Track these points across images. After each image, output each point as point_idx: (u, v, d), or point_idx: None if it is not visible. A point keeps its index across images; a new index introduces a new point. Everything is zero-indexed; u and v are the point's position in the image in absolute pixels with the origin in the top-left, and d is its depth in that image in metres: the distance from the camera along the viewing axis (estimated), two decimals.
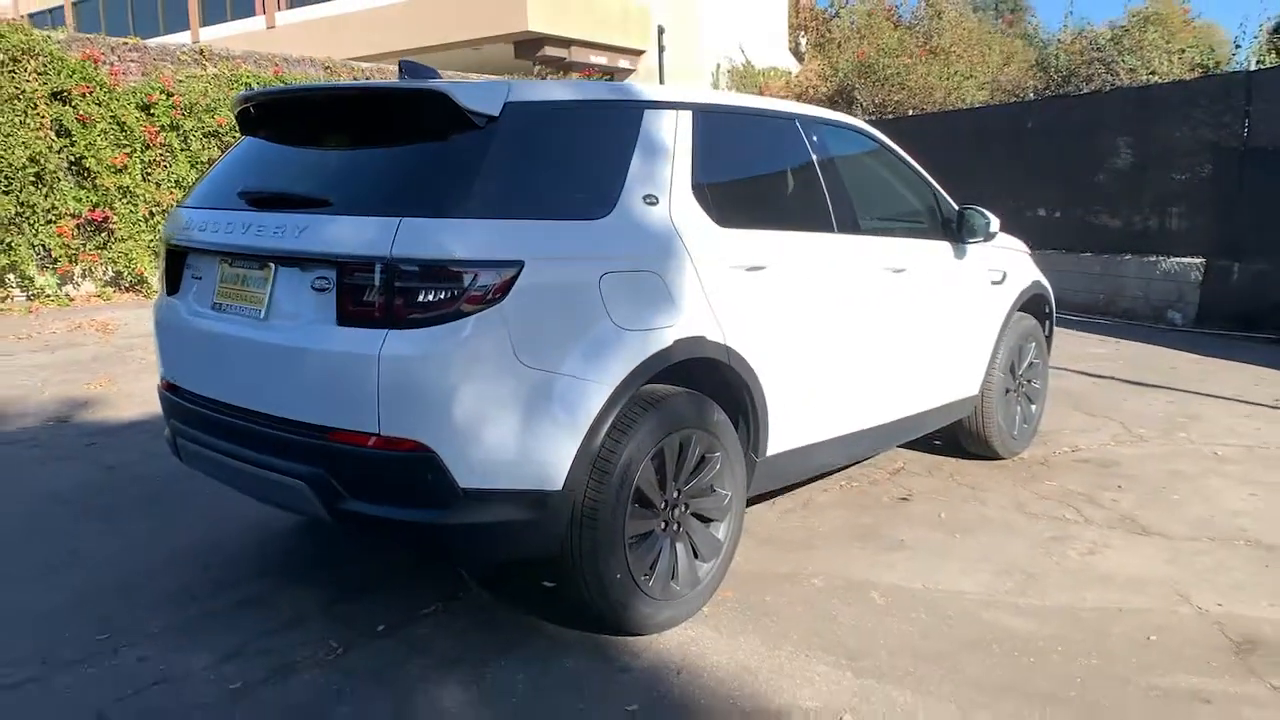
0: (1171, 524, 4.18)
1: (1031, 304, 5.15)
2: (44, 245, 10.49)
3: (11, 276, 10.45)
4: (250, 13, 28.25)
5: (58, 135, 10.40)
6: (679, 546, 3.13)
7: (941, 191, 4.57)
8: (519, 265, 2.64)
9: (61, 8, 32.49)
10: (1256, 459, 5.16)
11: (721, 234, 3.25)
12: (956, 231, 4.48)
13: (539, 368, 2.69)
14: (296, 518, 3.99)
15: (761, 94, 18.86)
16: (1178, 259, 10.39)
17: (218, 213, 3.10)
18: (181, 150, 11.42)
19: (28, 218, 10.26)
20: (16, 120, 10.00)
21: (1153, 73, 11.48)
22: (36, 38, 10.38)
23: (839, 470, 4.77)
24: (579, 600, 2.99)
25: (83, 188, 10.70)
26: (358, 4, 24.86)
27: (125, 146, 10.92)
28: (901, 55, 16.50)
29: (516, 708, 2.69)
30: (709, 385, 3.21)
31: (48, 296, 10.67)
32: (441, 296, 2.57)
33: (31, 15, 32.62)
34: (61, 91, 10.41)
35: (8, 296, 10.44)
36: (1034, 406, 5.31)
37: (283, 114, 3.28)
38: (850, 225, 3.87)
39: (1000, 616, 3.29)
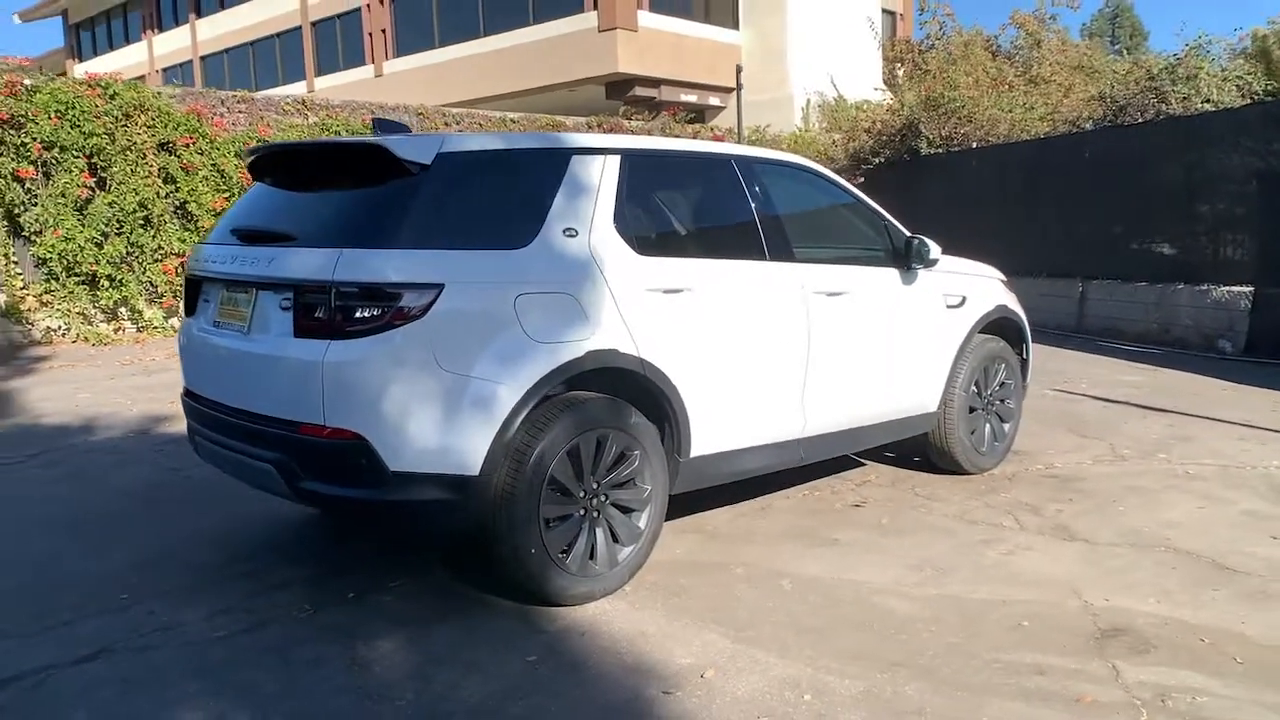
0: (1101, 532, 4.45)
1: (997, 327, 5.45)
2: (151, 282, 11.64)
3: (123, 310, 11.62)
4: (361, 62, 29.99)
5: (164, 182, 11.55)
6: (598, 531, 3.61)
7: (893, 223, 4.95)
8: (439, 287, 3.21)
9: (191, 63, 35.05)
10: (1225, 477, 5.32)
11: (640, 261, 3.75)
12: (905, 259, 4.86)
13: (457, 372, 3.24)
14: (304, 512, 4.62)
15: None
16: (1228, 287, 10.31)
17: (222, 247, 3.79)
18: None
19: (137, 257, 11.43)
20: (128, 169, 11.17)
21: (1207, 100, 11.44)
22: (146, 94, 11.58)
23: (805, 479, 5.18)
24: (500, 572, 3.51)
25: (186, 229, 11.81)
26: (458, 51, 26.23)
27: (224, 191, 12.01)
28: (990, 85, 16.51)
29: (438, 654, 3.23)
30: (629, 392, 3.70)
31: (155, 328, 11.82)
32: (374, 313, 3.16)
33: (165, 70, 35.41)
34: (168, 143, 11.57)
35: (120, 328, 11.62)
36: (1006, 425, 5.59)
37: (274, 164, 3.96)
38: (784, 253, 4.31)
39: (889, 601, 3.66)
